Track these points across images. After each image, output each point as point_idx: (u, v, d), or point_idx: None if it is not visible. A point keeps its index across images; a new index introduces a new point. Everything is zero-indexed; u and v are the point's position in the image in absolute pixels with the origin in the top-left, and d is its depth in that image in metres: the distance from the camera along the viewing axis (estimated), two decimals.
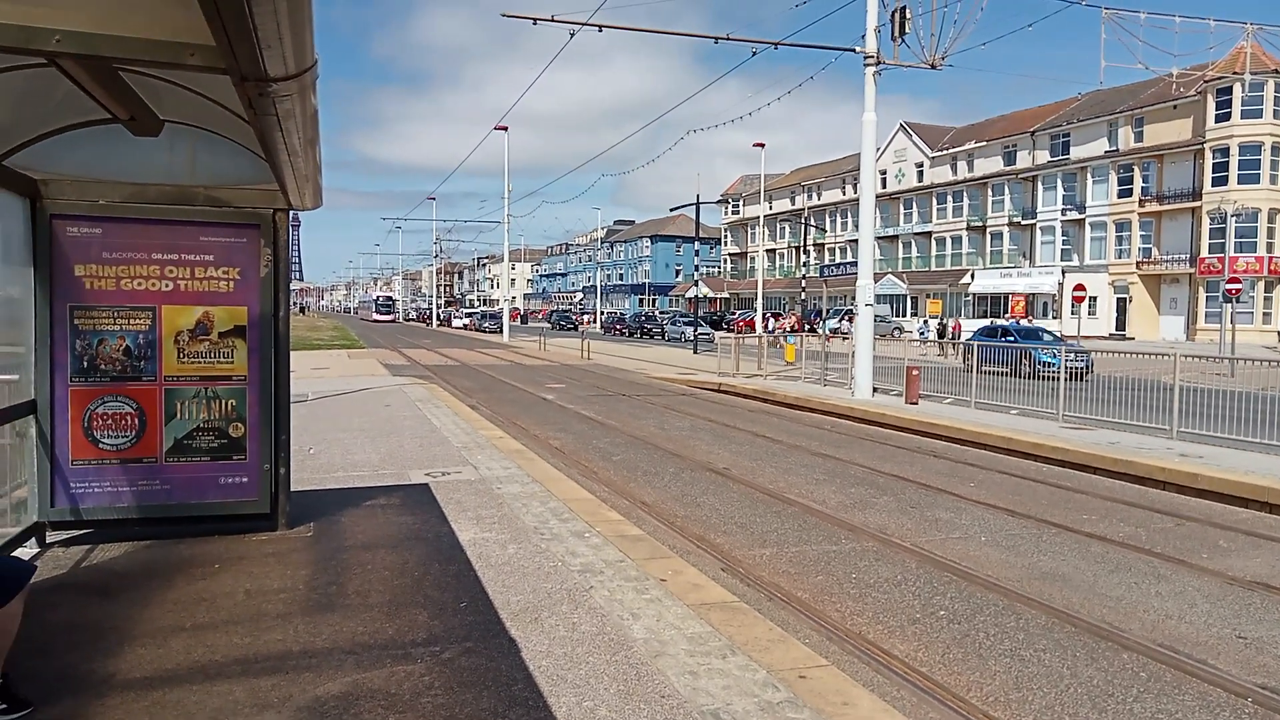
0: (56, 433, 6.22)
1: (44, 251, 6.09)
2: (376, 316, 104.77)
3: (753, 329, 47.50)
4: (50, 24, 2.94)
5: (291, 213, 6.69)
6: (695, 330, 41.84)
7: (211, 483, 6.58)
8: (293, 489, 7.03)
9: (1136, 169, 53.27)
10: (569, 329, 67.36)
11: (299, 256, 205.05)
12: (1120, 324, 53.67)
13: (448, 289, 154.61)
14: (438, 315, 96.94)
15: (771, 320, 45.14)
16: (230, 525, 6.71)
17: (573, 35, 19.28)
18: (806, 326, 43.67)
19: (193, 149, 6.25)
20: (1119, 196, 54.46)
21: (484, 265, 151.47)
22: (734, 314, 72.02)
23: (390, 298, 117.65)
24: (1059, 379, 15.42)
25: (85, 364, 6.27)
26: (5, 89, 4.54)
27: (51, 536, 6.40)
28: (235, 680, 4.18)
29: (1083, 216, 56.62)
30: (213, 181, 6.44)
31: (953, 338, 40.40)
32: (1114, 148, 54.83)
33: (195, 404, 6.50)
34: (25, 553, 5.99)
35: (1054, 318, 53.96)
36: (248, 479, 6.64)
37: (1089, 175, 56.23)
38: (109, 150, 5.99)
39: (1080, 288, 39.48)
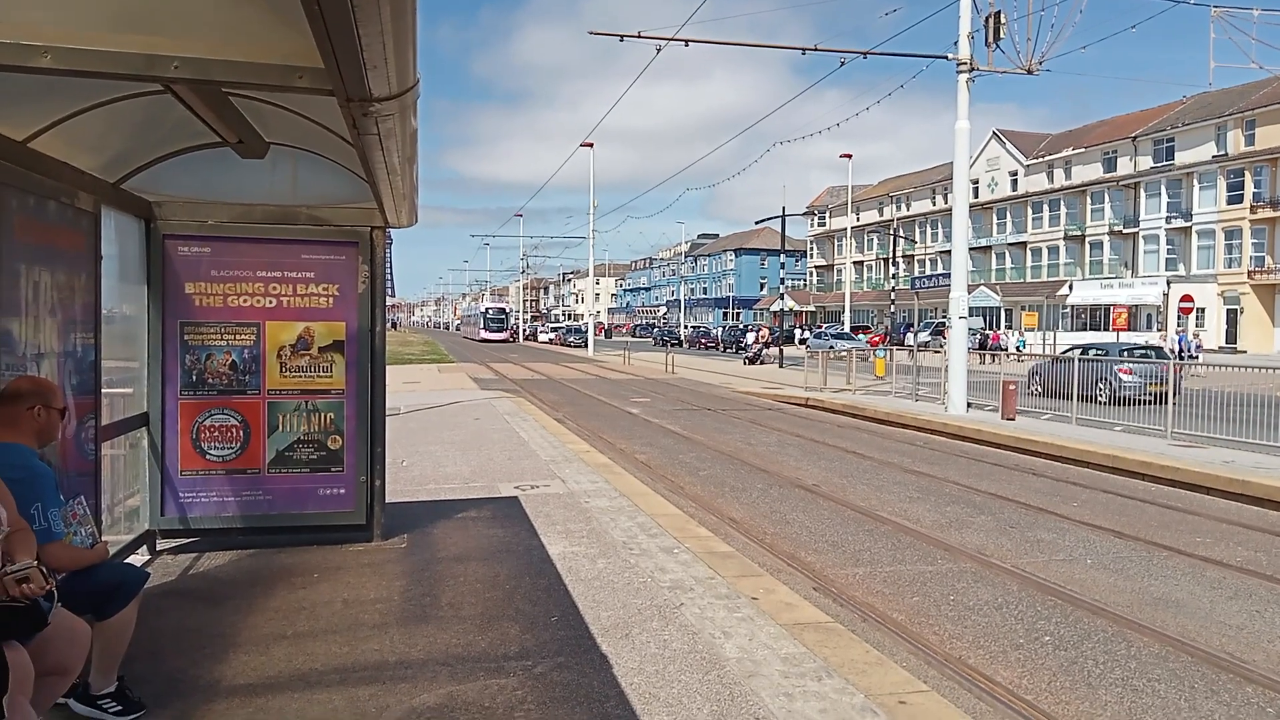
0: (166, 444, 6.48)
1: (156, 270, 6.37)
2: (485, 334, 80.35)
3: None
4: (170, 51, 3.08)
5: (387, 230, 6.85)
6: (774, 345, 41.42)
7: (311, 494, 6.75)
8: (387, 501, 7.17)
9: (1248, 174, 50.72)
10: (674, 344, 61.60)
11: (392, 273, 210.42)
12: (1231, 336, 51.09)
13: (533, 304, 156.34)
14: (523, 330, 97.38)
15: (751, 335, 44.61)
16: (328, 535, 6.88)
17: (659, 50, 19.40)
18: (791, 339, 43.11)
19: (294, 170, 6.45)
20: (1228, 203, 51.93)
21: (569, 280, 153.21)
22: (820, 327, 71.17)
23: (503, 310, 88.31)
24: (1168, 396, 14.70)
25: (194, 378, 6.52)
26: (125, 116, 4.76)
27: (161, 544, 6.66)
28: (334, 689, 4.26)
29: (1189, 224, 54.18)
30: (314, 201, 6.64)
31: (994, 349, 38.54)
32: (1223, 152, 52.35)
33: (296, 417, 6.70)
34: (137, 559, 6.24)
35: (1159, 330, 51.73)
36: (345, 490, 6.80)
37: (1195, 181, 53.80)
38: (217, 172, 6.22)
39: (1187, 299, 37.87)
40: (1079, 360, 17.33)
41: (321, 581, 5.99)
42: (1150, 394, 15.38)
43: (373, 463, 6.82)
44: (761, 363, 38.86)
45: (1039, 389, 17.05)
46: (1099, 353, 20.04)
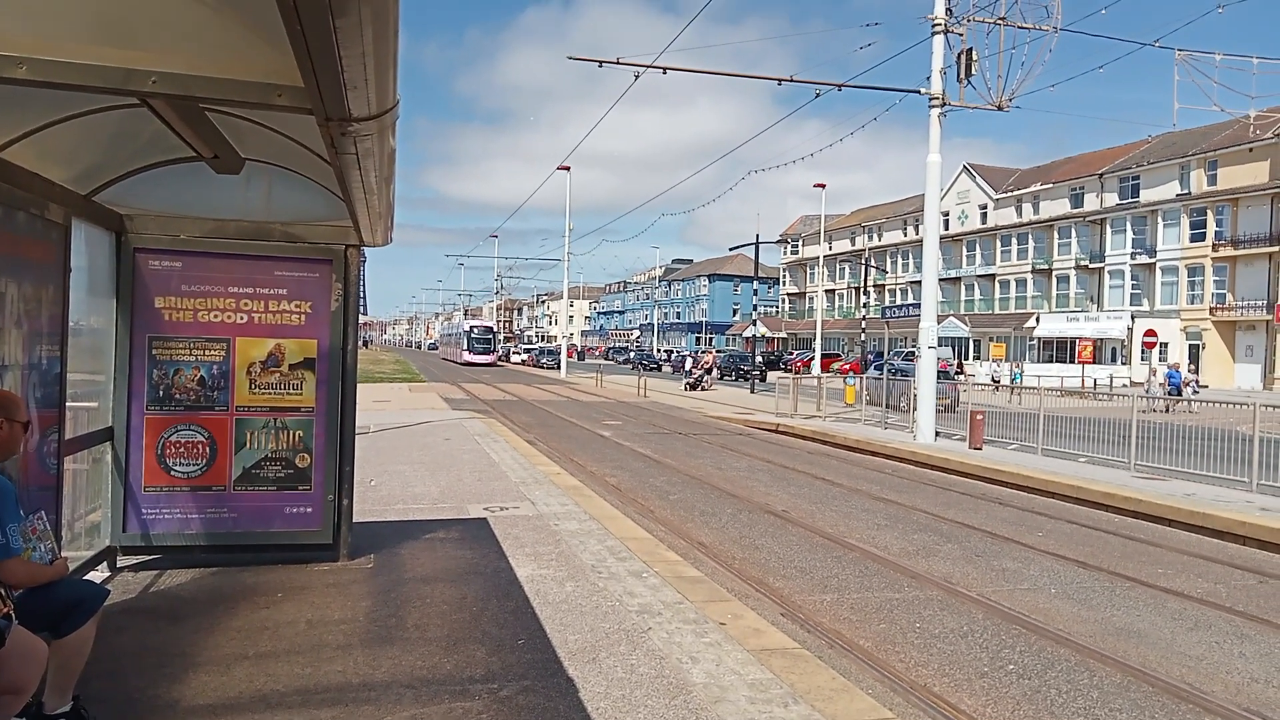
0: (131, 459, 6.39)
1: (126, 284, 6.31)
2: (469, 356, 70.74)
3: (809, 369, 47.28)
4: (148, 66, 3.07)
5: (361, 248, 6.83)
6: (717, 371, 41.49)
7: (277, 512, 6.68)
8: (354, 520, 7.10)
9: (1210, 212, 51.85)
10: (651, 368, 63.53)
11: (365, 291, 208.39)
12: (1193, 371, 51.98)
13: (507, 325, 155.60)
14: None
15: (689, 360, 44.74)
16: (293, 555, 6.80)
17: (636, 77, 19.53)
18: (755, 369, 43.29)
19: (269, 186, 6.43)
20: (1191, 240, 53.01)
21: (543, 302, 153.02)
22: (791, 354, 71.54)
23: (489, 329, 77.23)
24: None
25: (161, 393, 6.45)
26: (98, 128, 4.73)
27: (122, 561, 6.55)
28: (295, 710, 4.20)
29: (1153, 260, 55.23)
30: (289, 218, 6.62)
31: (939, 375, 37.58)
32: (1186, 191, 53.50)
33: (264, 434, 6.63)
34: (97, 576, 6.14)
35: (1123, 363, 52.50)
36: (312, 509, 6.73)
37: (1159, 218, 54.92)
38: (191, 187, 6.19)
39: (1151, 333, 38.40)
40: (887, 379, 24.51)
41: (285, 601, 5.92)
42: (940, 405, 19.52)
43: (341, 481, 6.76)
44: (703, 388, 39.07)
45: (867, 398, 23.38)
46: (902, 374, 27.71)
